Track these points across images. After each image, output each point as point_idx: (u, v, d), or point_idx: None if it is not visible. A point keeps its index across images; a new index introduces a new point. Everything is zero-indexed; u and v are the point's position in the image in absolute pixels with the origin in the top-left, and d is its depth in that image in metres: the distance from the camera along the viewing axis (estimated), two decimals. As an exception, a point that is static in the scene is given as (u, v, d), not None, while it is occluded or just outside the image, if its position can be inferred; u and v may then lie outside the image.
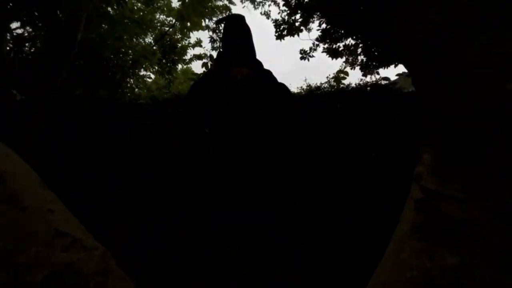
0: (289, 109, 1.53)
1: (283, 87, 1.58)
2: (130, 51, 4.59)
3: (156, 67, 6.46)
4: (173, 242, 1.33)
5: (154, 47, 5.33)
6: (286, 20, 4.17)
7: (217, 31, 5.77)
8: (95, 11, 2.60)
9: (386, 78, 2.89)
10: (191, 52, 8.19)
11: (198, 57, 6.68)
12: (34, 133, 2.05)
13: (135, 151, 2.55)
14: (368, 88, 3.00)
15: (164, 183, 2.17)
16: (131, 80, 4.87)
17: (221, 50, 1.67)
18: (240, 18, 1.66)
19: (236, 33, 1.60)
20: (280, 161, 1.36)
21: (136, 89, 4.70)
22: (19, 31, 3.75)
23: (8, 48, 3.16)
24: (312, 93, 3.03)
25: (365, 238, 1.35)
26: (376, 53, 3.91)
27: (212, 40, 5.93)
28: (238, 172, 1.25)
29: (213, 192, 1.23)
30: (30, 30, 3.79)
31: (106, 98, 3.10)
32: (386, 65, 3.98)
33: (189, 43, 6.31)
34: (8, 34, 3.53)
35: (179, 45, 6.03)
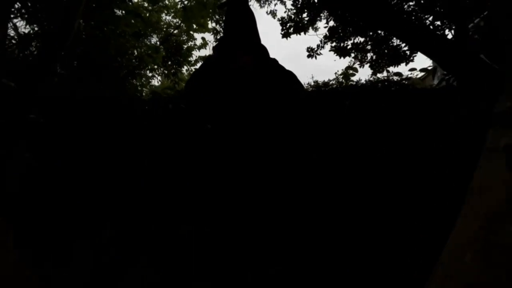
0: (296, 98, 1.41)
1: (291, 76, 1.45)
2: (135, 51, 4.57)
3: (162, 69, 6.46)
4: (174, 241, 1.30)
5: (161, 47, 5.31)
6: (292, 18, 4.08)
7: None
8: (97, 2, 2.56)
9: (398, 74, 2.73)
10: (196, 54, 8.23)
11: (204, 59, 6.66)
12: (30, 125, 1.97)
13: (134, 148, 2.45)
14: (379, 85, 2.84)
15: (165, 181, 2.09)
16: (135, 81, 4.83)
17: (222, 36, 1.56)
18: (243, 2, 1.55)
19: (239, 18, 1.49)
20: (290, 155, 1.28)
21: (139, 87, 4.65)
22: (25, 30, 3.77)
23: (12, 43, 3.15)
24: (320, 89, 2.89)
25: (369, 236, 1.27)
26: (386, 51, 3.77)
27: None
28: (242, 171, 1.16)
29: (216, 192, 1.17)
30: (37, 29, 3.81)
31: (108, 95, 3.04)
32: (397, 63, 3.83)
33: (195, 44, 6.32)
34: (14, 32, 3.54)
35: (185, 46, 6.03)
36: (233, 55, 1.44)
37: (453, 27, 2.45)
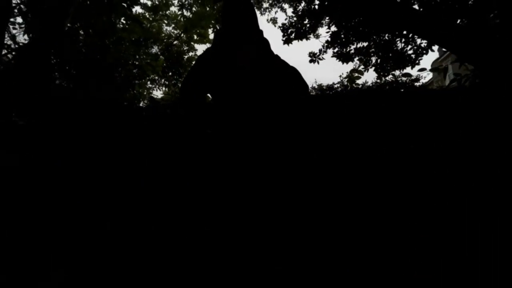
0: (302, 97, 1.29)
1: (295, 73, 1.33)
2: (136, 62, 4.53)
3: (163, 80, 6.45)
4: (173, 244, 1.27)
5: (161, 58, 5.29)
6: (293, 24, 4.04)
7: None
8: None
9: (407, 75, 2.60)
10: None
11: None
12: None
13: (133, 154, 2.34)
14: (387, 87, 2.72)
15: (164, 187, 1.99)
16: (134, 91, 4.76)
17: (221, 28, 1.45)
18: None
19: (237, 10, 1.38)
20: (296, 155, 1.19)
21: (138, 95, 4.57)
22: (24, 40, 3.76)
23: (9, 52, 3.10)
24: (324, 93, 2.77)
25: (369, 236, 1.26)
26: (390, 54, 3.69)
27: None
28: (242, 171, 1.06)
29: (216, 191, 1.12)
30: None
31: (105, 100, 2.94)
32: (402, 66, 3.74)
33: (195, 55, 6.32)
34: (12, 42, 3.52)
35: (185, 56, 6.03)
36: (232, 53, 1.31)
37: (465, 21, 2.36)
